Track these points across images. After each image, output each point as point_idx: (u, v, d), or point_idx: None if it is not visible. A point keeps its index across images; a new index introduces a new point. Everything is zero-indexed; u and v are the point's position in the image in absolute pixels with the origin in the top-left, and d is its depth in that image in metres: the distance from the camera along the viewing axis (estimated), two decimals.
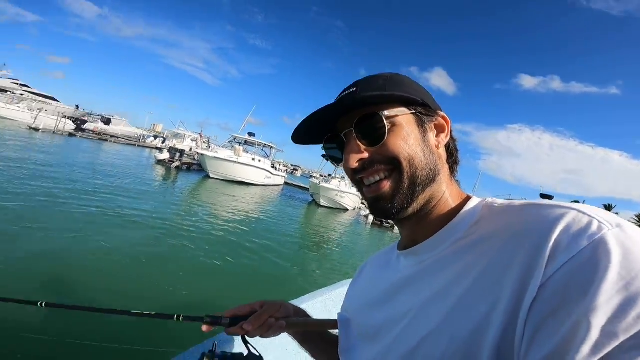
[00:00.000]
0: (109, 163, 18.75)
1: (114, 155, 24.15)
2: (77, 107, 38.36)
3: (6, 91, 41.84)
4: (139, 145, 29.76)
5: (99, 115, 35.49)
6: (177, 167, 23.79)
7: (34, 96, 41.63)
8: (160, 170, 20.94)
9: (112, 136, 31.53)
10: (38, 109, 35.16)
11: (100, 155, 22.69)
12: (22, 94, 41.34)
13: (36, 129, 30.85)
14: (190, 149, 26.88)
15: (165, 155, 24.43)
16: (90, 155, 21.66)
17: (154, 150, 28.44)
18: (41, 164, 12.83)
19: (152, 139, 31.94)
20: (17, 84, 44.11)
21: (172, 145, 27.02)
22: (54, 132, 30.58)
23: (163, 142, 29.38)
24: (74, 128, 32.28)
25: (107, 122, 34.42)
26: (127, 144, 29.74)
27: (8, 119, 34.00)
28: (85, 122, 34.55)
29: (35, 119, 32.56)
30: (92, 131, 32.41)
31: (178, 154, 24.90)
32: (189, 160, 25.41)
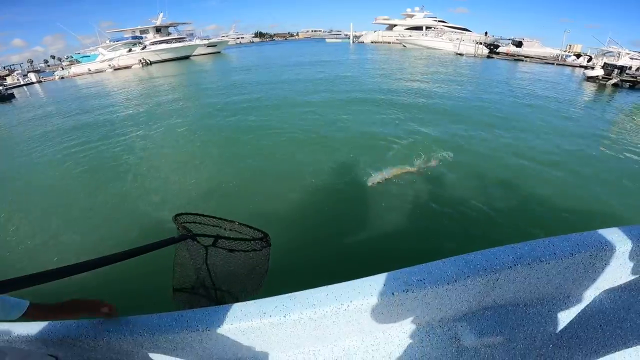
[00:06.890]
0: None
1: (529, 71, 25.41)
2: (486, 33, 41.78)
3: (431, 27, 52.95)
4: (558, 64, 28.90)
5: (509, 39, 37.18)
6: (614, 85, 21.00)
7: (452, 29, 49.99)
8: (591, 87, 19.60)
9: (525, 57, 32.47)
10: (457, 39, 42.07)
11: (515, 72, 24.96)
12: (442, 28, 50.87)
13: (460, 54, 37.75)
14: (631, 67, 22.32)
15: (597, 72, 22.26)
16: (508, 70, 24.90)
17: (577, 69, 26.63)
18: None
19: (574, 57, 29.67)
20: (437, 20, 54.42)
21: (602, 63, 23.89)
22: (474, 56, 36.02)
23: (589, 61, 26.51)
24: (488, 52, 36.22)
25: (519, 44, 35.35)
26: (545, 63, 29.72)
27: (437, 48, 43.63)
28: (497, 46, 37.40)
29: (458, 47, 39.65)
30: (505, 53, 34.94)
31: (617, 71, 21.66)
32: (630, 79, 21.47)
